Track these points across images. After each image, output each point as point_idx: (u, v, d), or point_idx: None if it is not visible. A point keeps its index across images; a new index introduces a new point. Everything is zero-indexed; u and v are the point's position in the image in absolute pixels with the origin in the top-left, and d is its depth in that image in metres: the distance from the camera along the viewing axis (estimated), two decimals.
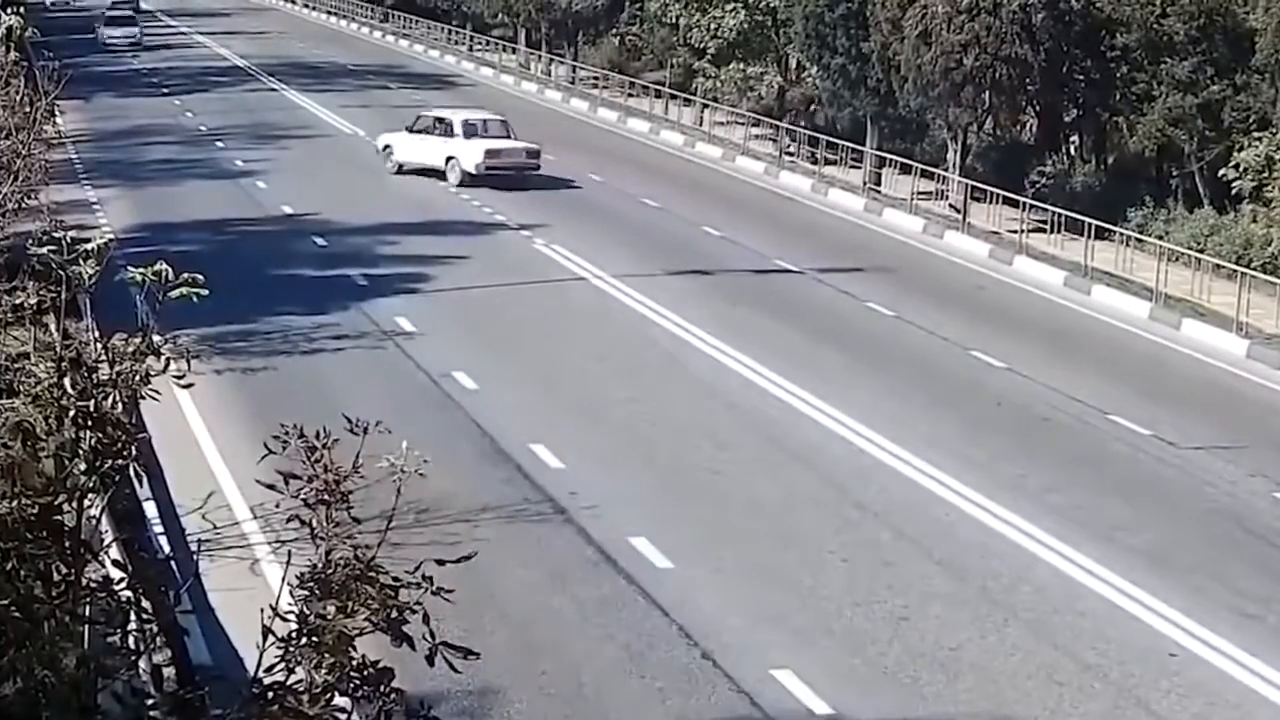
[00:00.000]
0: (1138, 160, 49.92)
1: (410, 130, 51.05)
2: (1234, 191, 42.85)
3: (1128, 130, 48.83)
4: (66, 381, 7.50)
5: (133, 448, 7.53)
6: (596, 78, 74.63)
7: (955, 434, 27.72)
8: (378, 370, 30.12)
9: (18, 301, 15.93)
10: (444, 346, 31.70)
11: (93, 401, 7.43)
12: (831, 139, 55.22)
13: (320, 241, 40.98)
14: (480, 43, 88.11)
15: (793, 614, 20.24)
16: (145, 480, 7.98)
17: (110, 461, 7.45)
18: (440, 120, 50.94)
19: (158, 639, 7.91)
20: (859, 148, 53.70)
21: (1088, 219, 42.26)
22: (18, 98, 32.38)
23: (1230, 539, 23.76)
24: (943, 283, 40.34)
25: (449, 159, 49.46)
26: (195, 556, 18.02)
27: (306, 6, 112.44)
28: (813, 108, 57.08)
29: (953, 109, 48.44)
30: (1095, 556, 22.37)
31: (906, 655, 19.29)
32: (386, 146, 51.66)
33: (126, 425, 7.50)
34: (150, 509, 21.22)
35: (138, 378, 7.63)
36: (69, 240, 8.45)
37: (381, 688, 7.05)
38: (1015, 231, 45.24)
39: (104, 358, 7.67)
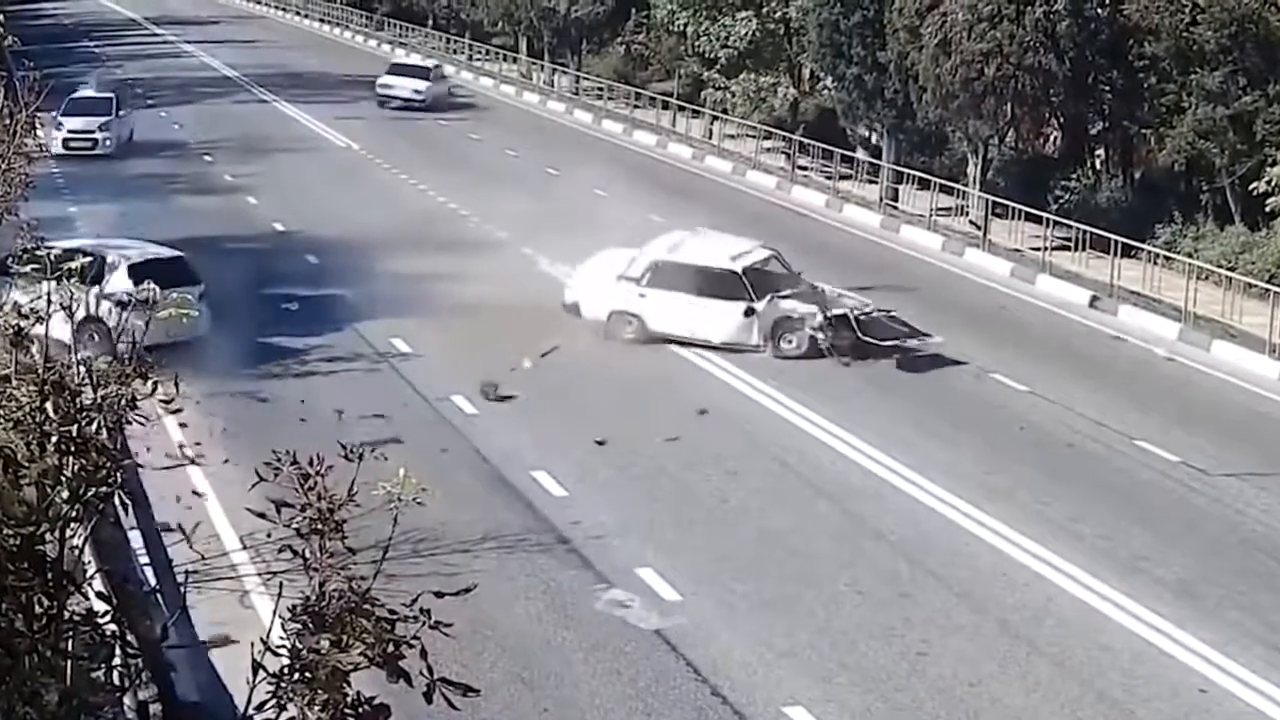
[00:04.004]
0: (1166, 174, 49.90)
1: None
2: (1267, 207, 42.82)
3: (1156, 143, 48.81)
4: (49, 406, 7.52)
5: (117, 475, 7.55)
6: (601, 88, 74.70)
7: (976, 460, 27.72)
8: (373, 393, 30.12)
9: None
10: (442, 369, 31.72)
11: (76, 427, 7.45)
12: (847, 153, 55.30)
13: (313, 259, 41.01)
14: (480, 52, 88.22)
15: (806, 649, 20.23)
16: (130, 509, 7.99)
17: (94, 489, 7.46)
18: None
19: (143, 674, 7.91)
20: (875, 161, 53.73)
21: (1114, 236, 42.23)
22: None
23: (1263, 570, 23.74)
24: (963, 302, 40.34)
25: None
26: (182, 588, 18.02)
27: (298, 14, 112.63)
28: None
29: (973, 121, 48.45)
30: (1122, 588, 22.37)
31: (925, 691, 19.28)
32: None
33: (111, 451, 7.52)
34: (135, 538, 21.22)
35: (123, 402, 7.64)
36: (52, 258, 8.49)
37: None
38: (1038, 249, 45.21)
39: (88, 381, 7.68)
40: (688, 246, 35.89)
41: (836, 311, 34.08)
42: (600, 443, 27.29)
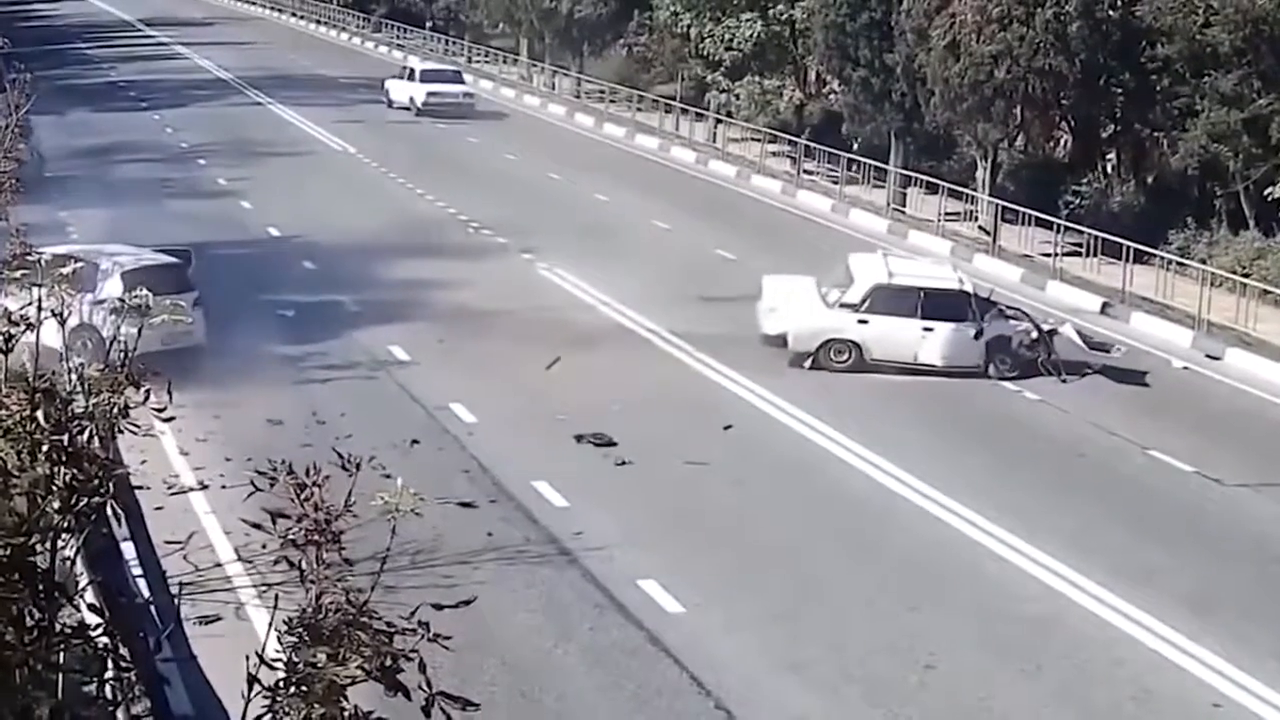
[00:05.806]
0: (1179, 179, 49.91)
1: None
2: None
3: (1168, 147, 48.86)
4: (40, 414, 7.51)
5: (110, 484, 7.54)
6: (603, 91, 74.76)
7: (985, 471, 27.71)
8: (371, 402, 30.11)
9: None
10: (441, 377, 31.70)
11: (67, 435, 7.44)
12: (853, 157, 55.29)
13: (309, 265, 41.01)
14: (479, 54, 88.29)
15: (812, 662, 20.22)
16: (123, 519, 7.98)
17: (86, 499, 7.45)
18: None
19: (137, 688, 7.91)
20: (882, 166, 53.72)
21: (1126, 241, 42.26)
22: None
23: (1278, 582, 23.73)
24: None
25: None
26: (176, 600, 18.03)
27: (294, 16, 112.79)
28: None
29: (982, 124, 48.48)
30: (1134, 601, 22.35)
31: (933, 705, 19.27)
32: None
33: (103, 460, 7.51)
34: (128, 550, 21.22)
35: (115, 410, 7.64)
36: (43, 264, 8.49)
37: None
38: (1049, 255, 45.25)
39: (80, 389, 7.68)
40: (900, 269, 35.18)
41: (1048, 328, 34.12)
42: (621, 463, 27.18)
